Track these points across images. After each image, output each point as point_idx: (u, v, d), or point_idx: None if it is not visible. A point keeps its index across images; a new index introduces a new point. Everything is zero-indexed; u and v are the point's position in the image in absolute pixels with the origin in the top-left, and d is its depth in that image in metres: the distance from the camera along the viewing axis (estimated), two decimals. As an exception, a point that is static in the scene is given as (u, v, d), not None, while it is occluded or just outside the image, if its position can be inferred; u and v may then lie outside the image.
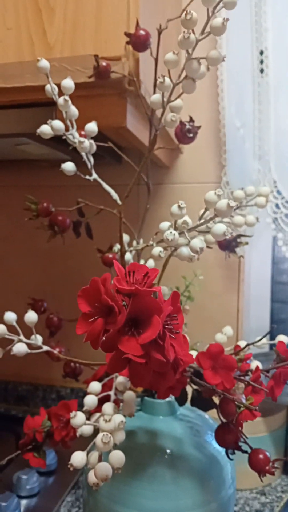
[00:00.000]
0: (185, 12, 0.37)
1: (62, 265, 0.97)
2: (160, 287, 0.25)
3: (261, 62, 0.80)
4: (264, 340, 0.51)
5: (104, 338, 0.23)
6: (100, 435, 0.35)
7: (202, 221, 0.37)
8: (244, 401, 0.39)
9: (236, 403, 0.37)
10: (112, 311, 0.23)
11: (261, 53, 0.78)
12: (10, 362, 1.01)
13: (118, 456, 0.37)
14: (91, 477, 0.36)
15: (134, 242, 0.58)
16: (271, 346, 0.87)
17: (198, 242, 0.36)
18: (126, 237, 0.60)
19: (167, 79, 0.39)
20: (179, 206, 0.37)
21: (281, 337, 0.50)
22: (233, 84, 0.81)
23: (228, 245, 0.48)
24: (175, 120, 0.41)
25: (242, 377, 0.40)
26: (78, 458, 0.38)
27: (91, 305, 0.25)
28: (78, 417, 0.39)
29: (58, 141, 0.69)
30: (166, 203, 0.92)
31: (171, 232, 0.37)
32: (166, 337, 0.24)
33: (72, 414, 0.39)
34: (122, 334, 0.24)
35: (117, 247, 0.56)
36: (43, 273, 0.99)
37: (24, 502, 0.67)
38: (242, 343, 0.47)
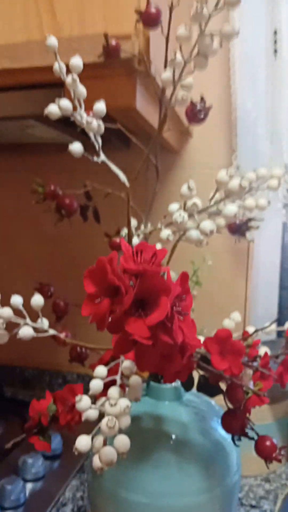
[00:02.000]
0: (198, -15, 0.35)
1: (70, 249, 0.97)
2: (168, 267, 0.24)
3: (275, 42, 0.78)
4: (273, 327, 0.50)
5: (110, 319, 0.23)
6: (105, 419, 0.35)
7: (212, 202, 0.36)
8: (252, 387, 0.38)
9: (244, 388, 0.36)
10: (119, 291, 0.23)
11: (275, 33, 0.76)
12: (16, 347, 1.01)
13: (123, 441, 0.37)
14: (96, 462, 0.36)
15: (142, 227, 0.57)
16: (279, 334, 0.86)
17: (208, 224, 0.35)
18: (134, 222, 0.59)
19: (178, 55, 0.38)
20: (188, 187, 0.36)
21: (291, 324, 0.49)
22: (246, 65, 0.79)
23: (239, 229, 0.47)
24: (186, 98, 0.39)
25: (251, 363, 0.39)
26: (83, 442, 0.37)
27: (97, 286, 0.24)
28: (83, 401, 0.38)
29: (66, 123, 0.68)
30: (175, 189, 0.90)
31: (180, 214, 0.36)
32: (174, 319, 0.23)
33: (77, 398, 0.38)
34: (129, 315, 0.23)
35: (124, 231, 0.55)
36: (51, 257, 0.99)
37: (29, 485, 0.67)
38: (250, 329, 0.46)
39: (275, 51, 0.77)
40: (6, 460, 0.72)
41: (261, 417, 0.73)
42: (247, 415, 0.38)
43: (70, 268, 0.96)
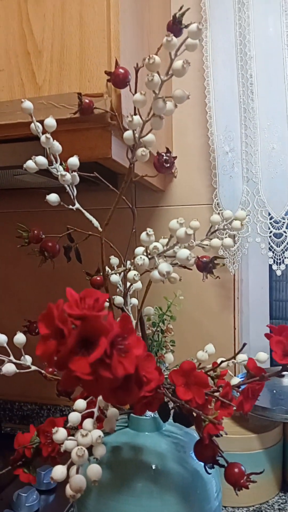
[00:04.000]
0: (148, 57, 0.40)
1: (65, 286, 1.01)
2: (106, 311, 0.28)
3: (247, 88, 0.83)
4: (245, 357, 0.53)
5: (56, 358, 0.26)
6: (75, 449, 0.38)
7: (167, 247, 0.39)
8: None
9: (202, 417, 0.39)
10: (63, 334, 0.26)
11: (250, 77, 0.82)
12: (15, 382, 1.04)
13: (95, 469, 0.39)
14: (67, 490, 0.38)
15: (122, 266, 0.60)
16: (272, 362, 0.88)
17: (165, 266, 0.39)
18: (115, 260, 0.63)
19: (135, 117, 0.43)
20: (147, 234, 0.40)
21: (259, 355, 0.52)
22: (221, 110, 0.85)
23: (205, 266, 0.51)
24: (145, 154, 0.44)
25: (215, 393, 0.42)
26: (58, 471, 0.40)
27: (48, 328, 0.28)
28: (59, 433, 0.41)
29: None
30: (162, 225, 0.96)
31: (140, 257, 0.40)
32: (113, 356, 0.26)
33: (54, 430, 0.41)
34: (74, 354, 0.26)
35: (106, 269, 0.59)
36: (47, 295, 1.03)
37: (24, 520, 0.69)
38: (219, 359, 0.49)
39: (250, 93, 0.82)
40: (1, 495, 0.74)
41: (250, 446, 0.75)
42: (207, 442, 0.40)
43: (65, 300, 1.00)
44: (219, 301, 0.91)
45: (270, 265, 1.01)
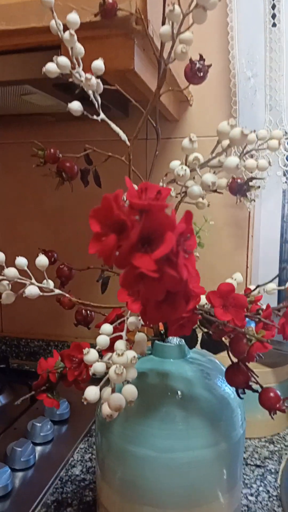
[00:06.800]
0: None
1: (72, 225, 0.97)
2: (172, 203, 0.25)
3: (273, 7, 0.77)
4: (274, 285, 0.51)
5: (117, 253, 0.23)
6: (113, 367, 0.36)
7: (214, 155, 0.36)
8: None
9: (247, 336, 0.37)
10: (125, 226, 0.23)
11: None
12: (22, 319, 1.03)
13: (131, 390, 0.38)
14: (105, 409, 0.37)
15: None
16: (279, 298, 0.87)
17: (210, 176, 0.35)
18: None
19: (177, 7, 0.38)
20: (190, 140, 0.36)
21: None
22: (244, 31, 0.78)
23: (240, 188, 0.47)
24: (185, 51, 0.39)
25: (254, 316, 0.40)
26: (92, 392, 0.38)
27: (102, 224, 0.24)
28: (91, 354, 0.39)
29: (63, 90, 0.68)
30: (175, 158, 0.91)
31: (182, 167, 0.36)
32: (179, 254, 0.24)
33: (85, 351, 0.39)
34: (135, 250, 0.23)
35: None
36: (53, 234, 0.99)
37: (39, 448, 0.69)
38: (252, 287, 0.47)
39: (273, 16, 0.76)
40: (15, 425, 0.74)
41: (265, 380, 0.74)
42: (251, 362, 0.39)
43: (73, 244, 0.96)
44: (233, 240, 0.89)
45: (283, 206, 0.98)
